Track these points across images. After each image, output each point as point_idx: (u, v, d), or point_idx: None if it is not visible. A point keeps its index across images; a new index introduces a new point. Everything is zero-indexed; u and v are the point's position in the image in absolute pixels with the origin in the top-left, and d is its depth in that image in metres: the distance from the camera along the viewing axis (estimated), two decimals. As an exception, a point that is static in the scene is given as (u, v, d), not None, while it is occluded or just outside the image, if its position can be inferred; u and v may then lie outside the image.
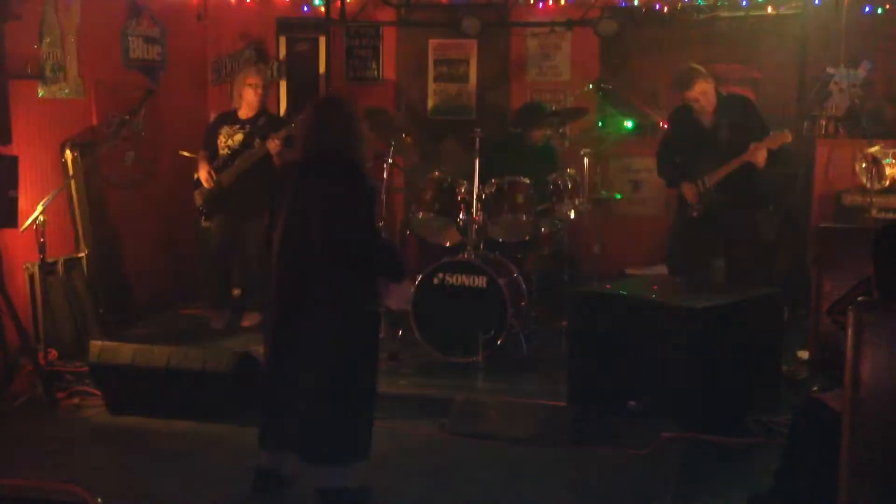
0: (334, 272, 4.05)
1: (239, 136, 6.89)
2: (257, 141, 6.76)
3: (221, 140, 6.92)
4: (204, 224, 7.37)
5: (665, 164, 6.53)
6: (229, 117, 7.03)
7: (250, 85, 6.92)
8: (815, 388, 5.02)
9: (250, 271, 7.04)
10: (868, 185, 6.26)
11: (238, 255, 7.11)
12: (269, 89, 7.19)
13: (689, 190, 6.25)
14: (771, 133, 6.00)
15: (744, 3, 7.05)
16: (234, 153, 6.87)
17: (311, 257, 4.05)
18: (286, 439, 4.18)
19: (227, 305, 7.22)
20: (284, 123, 6.85)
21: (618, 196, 7.30)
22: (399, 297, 4.21)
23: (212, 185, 6.86)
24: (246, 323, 7.12)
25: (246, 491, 4.28)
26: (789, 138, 6.02)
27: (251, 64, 8.01)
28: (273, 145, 6.68)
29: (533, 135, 7.10)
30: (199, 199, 7.02)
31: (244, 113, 6.96)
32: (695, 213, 6.27)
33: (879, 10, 7.17)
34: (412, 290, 4.22)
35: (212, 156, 6.95)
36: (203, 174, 6.88)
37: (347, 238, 4.03)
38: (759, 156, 5.95)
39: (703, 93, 6.14)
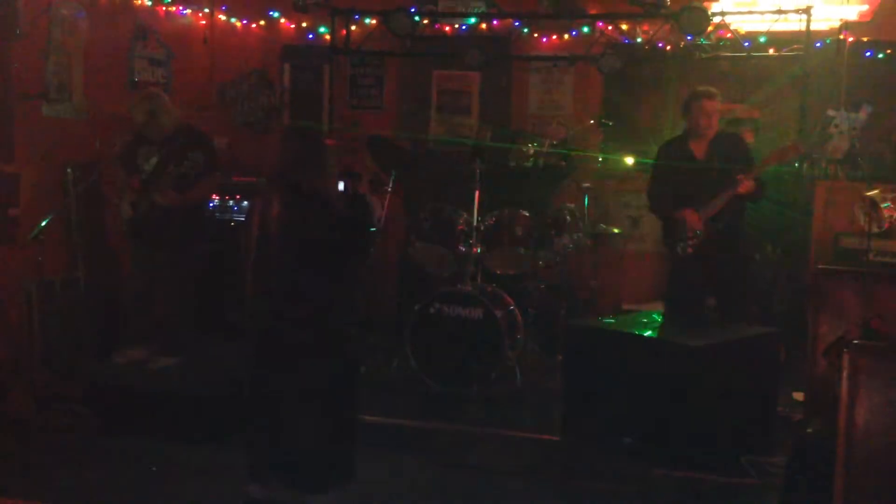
0: (302, 294, 4.08)
1: (154, 159, 6.12)
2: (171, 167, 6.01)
3: (139, 162, 6.17)
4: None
5: (659, 196, 6.33)
6: (145, 137, 6.20)
7: (144, 105, 6.11)
8: (809, 430, 5.00)
9: (170, 307, 6.23)
10: (866, 228, 6.27)
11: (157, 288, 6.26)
12: (163, 110, 6.15)
13: (692, 215, 6.07)
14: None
15: (746, 43, 7.10)
16: (150, 178, 6.08)
17: (278, 281, 4.09)
18: (274, 469, 4.16)
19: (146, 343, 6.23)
20: (203, 142, 6.20)
21: (616, 231, 7.31)
22: None
23: (131, 213, 6.12)
24: (162, 364, 6.03)
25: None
26: (786, 155, 6.06)
27: (142, 91, 6.79)
28: (165, 198, 5.98)
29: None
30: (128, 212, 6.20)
31: (156, 133, 6.14)
32: (689, 250, 6.15)
33: (880, 55, 7.23)
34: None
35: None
36: (122, 205, 6.17)
37: (310, 259, 4.07)
38: (747, 185, 5.95)
39: (713, 111, 6.08)
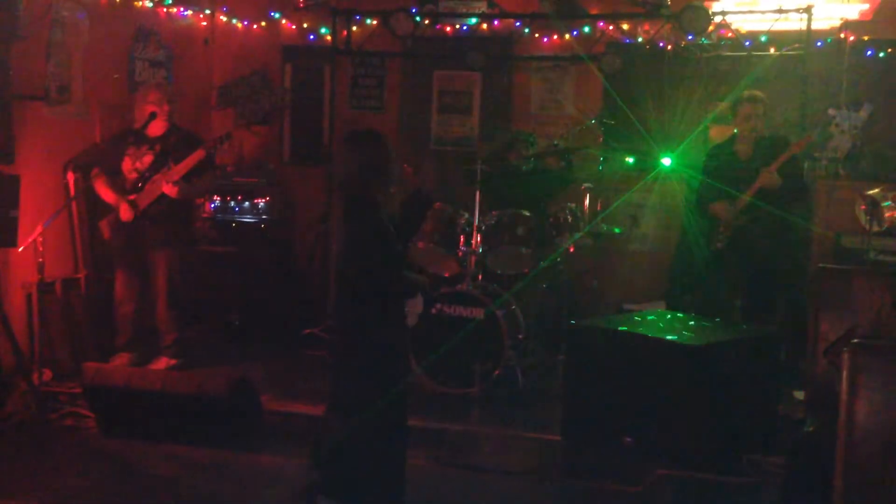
0: (348, 304, 4.06)
1: (148, 157, 6.19)
2: (171, 163, 6.14)
3: (128, 162, 6.22)
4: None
5: (705, 196, 6.37)
6: (135, 135, 6.28)
7: (151, 102, 6.24)
8: (809, 429, 4.99)
9: (168, 307, 6.31)
10: (867, 227, 6.27)
11: (147, 290, 6.34)
12: (175, 104, 6.38)
13: (722, 209, 6.16)
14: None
15: (746, 43, 7.10)
16: (144, 176, 6.17)
17: (336, 290, 4.09)
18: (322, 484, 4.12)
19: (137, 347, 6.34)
20: (197, 142, 6.29)
21: (617, 230, 7.30)
22: (411, 312, 4.22)
23: (131, 215, 6.13)
24: (161, 366, 6.22)
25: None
26: (799, 148, 6.15)
27: (151, 83, 7.20)
28: (169, 189, 6.06)
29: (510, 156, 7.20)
30: (107, 231, 6.28)
31: (152, 130, 6.26)
32: (719, 244, 6.17)
33: (881, 54, 7.23)
34: (421, 305, 4.14)
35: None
36: (121, 206, 6.15)
37: (353, 271, 4.03)
38: (772, 178, 5.97)
39: (756, 115, 6.16)
